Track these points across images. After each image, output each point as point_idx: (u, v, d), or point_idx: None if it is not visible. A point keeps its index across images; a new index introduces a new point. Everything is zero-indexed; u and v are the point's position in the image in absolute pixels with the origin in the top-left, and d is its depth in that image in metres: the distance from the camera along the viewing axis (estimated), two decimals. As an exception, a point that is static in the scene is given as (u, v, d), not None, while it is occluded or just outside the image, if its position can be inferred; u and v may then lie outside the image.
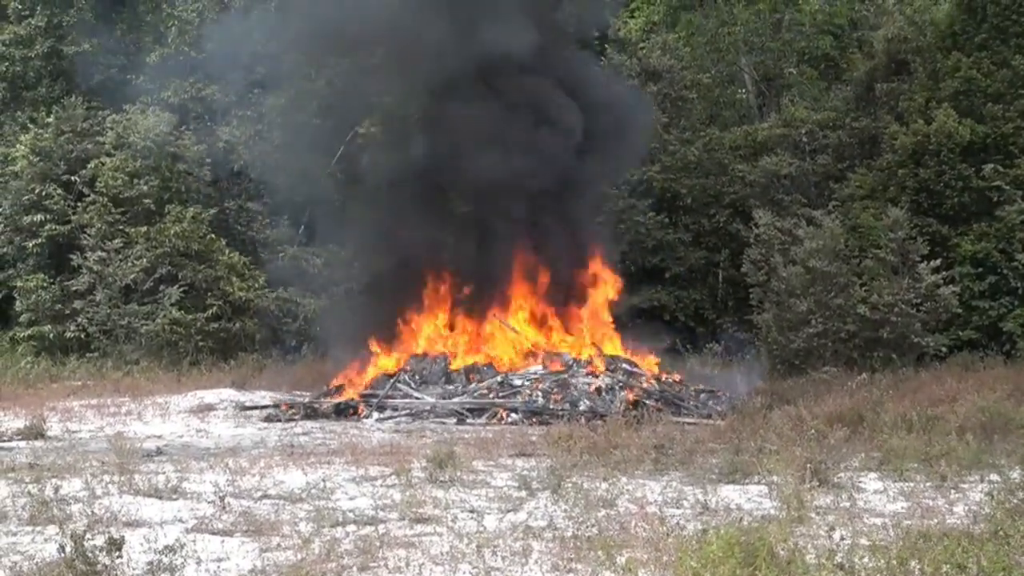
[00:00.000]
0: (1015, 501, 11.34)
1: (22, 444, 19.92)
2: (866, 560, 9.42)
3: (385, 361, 28.26)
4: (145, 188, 37.18)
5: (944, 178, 33.30)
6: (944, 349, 30.88)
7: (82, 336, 35.41)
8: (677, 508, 13.39)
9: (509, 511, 13.40)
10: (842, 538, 9.92)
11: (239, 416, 25.07)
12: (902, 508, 13.34)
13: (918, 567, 9.05)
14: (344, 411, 25.64)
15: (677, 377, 28.43)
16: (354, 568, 10.65)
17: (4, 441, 20.37)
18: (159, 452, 18.99)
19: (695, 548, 9.33)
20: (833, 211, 33.62)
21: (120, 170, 37.40)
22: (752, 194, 36.80)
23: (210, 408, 25.79)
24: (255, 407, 25.98)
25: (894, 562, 9.11)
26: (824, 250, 31.15)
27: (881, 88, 36.35)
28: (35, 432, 20.86)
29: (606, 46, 40.70)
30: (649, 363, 28.62)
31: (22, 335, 36.25)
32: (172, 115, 38.97)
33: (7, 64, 43.30)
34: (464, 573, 10.39)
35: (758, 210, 34.38)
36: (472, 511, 13.44)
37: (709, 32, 42.66)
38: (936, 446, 16.77)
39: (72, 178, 38.15)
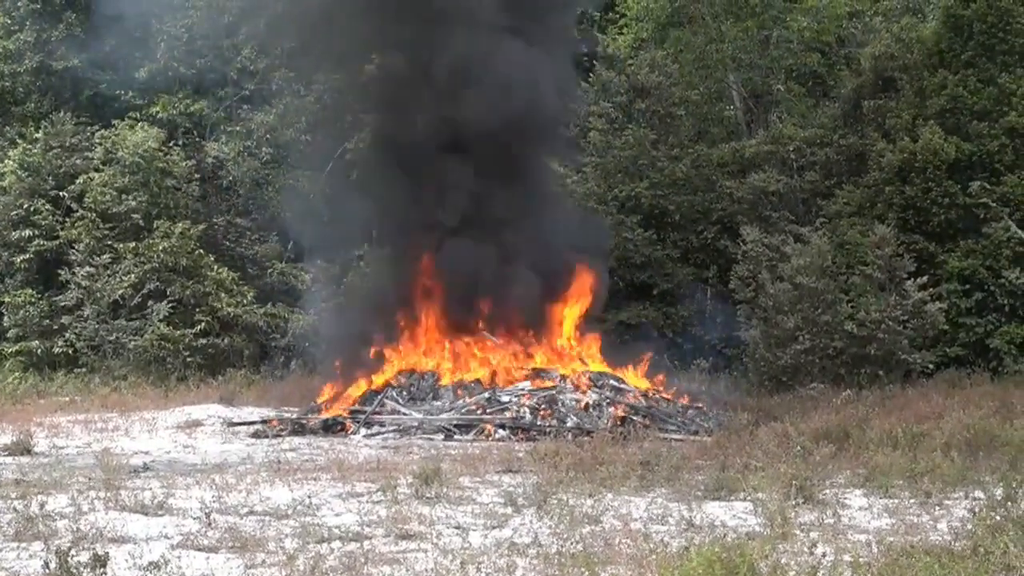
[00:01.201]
0: (997, 518, 11.39)
1: (9, 460, 19.89)
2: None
3: (373, 377, 28.26)
4: (133, 203, 37.20)
5: (931, 195, 33.36)
6: (931, 366, 30.92)
7: (70, 352, 35.42)
8: (662, 525, 13.42)
9: (494, 527, 13.43)
10: (824, 555, 9.95)
11: (227, 432, 25.05)
12: (886, 525, 13.39)
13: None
14: (332, 427, 25.61)
15: (668, 395, 28.45)
16: (339, 584, 10.68)
17: (-10, 457, 20.36)
18: (146, 468, 18.99)
19: (677, 565, 9.36)
20: (820, 228, 33.71)
21: (108, 185, 37.44)
22: (740, 211, 36.80)
23: (198, 424, 25.77)
24: (243, 423, 25.96)
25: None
26: (811, 267, 31.25)
27: (868, 105, 36.40)
28: (22, 448, 20.83)
29: (595, 63, 40.78)
30: (637, 379, 28.65)
31: (10, 350, 36.25)
32: (161, 130, 39.02)
33: (-5, 79, 43.35)
34: (448, 589, 10.42)
35: (746, 227, 34.43)
36: (457, 527, 13.48)
37: (697, 49, 42.68)
38: (921, 463, 16.83)
39: (60, 193, 38.19)
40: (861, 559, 10.16)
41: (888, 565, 9.68)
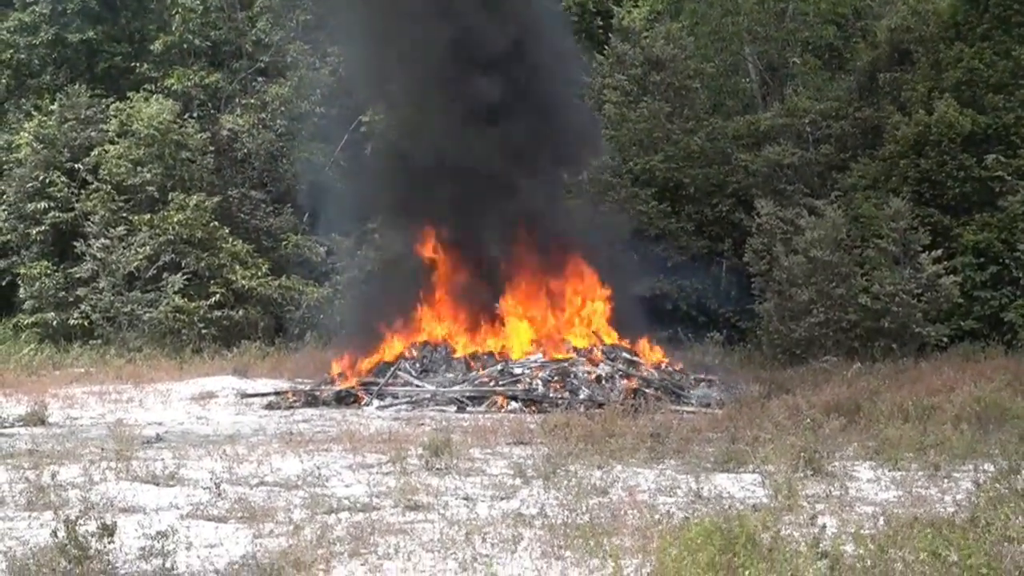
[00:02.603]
0: (1001, 490, 11.40)
1: (23, 430, 20.00)
2: (850, 548, 9.50)
3: (386, 349, 28.32)
4: (148, 176, 37.29)
5: (946, 168, 33.28)
6: (945, 339, 30.89)
7: (85, 323, 35.56)
8: (670, 496, 13.45)
9: (502, 499, 13.46)
10: (824, 527, 9.97)
11: (240, 404, 25.16)
12: (893, 497, 13.40)
13: (899, 555, 9.12)
14: (345, 399, 25.69)
15: (679, 366, 28.46)
16: (344, 554, 10.72)
17: (5, 427, 20.45)
18: (158, 439, 19.07)
19: (679, 536, 9.39)
20: (835, 201, 33.65)
21: (124, 158, 37.52)
22: (755, 183, 36.74)
23: (211, 395, 25.88)
24: (256, 395, 26.07)
25: (874, 549, 9.17)
26: (826, 240, 31.21)
27: (884, 78, 36.31)
28: (36, 418, 20.95)
29: (609, 35, 40.69)
30: (650, 352, 28.66)
31: (26, 322, 36.43)
32: (176, 103, 39.05)
33: (11, 51, 43.44)
34: (453, 560, 10.46)
35: (760, 199, 34.39)
36: (466, 498, 13.52)
37: (713, 21, 42.57)
38: (931, 436, 16.84)
39: (76, 165, 38.30)
40: (863, 531, 10.19)
41: (889, 536, 9.69)
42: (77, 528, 9.92)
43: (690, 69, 39.66)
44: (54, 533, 10.01)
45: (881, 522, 10.91)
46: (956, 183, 33.26)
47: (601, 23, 43.31)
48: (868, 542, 9.43)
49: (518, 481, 14.59)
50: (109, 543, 9.91)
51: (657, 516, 11.07)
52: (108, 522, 10.11)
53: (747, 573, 8.21)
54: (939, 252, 31.23)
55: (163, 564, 10.07)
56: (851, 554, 9.35)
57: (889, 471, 15.36)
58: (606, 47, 40.05)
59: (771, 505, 12.39)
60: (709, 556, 8.58)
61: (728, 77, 43.33)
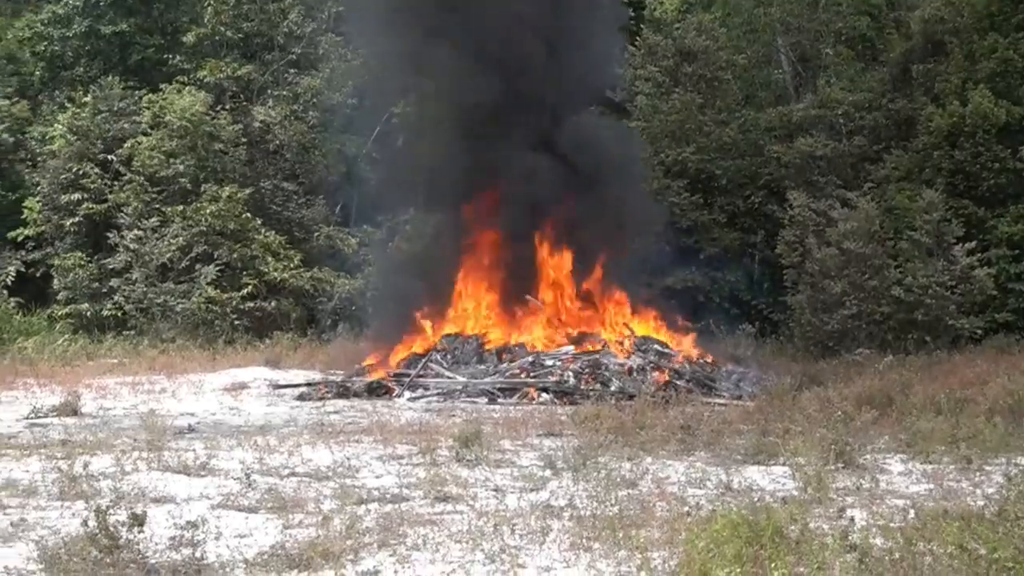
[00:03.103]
0: (1033, 483, 11.33)
1: (56, 421, 20.08)
2: (878, 541, 9.46)
3: (418, 340, 28.36)
4: (181, 167, 37.43)
5: (980, 160, 33.16)
6: (979, 332, 30.79)
7: (119, 314, 35.73)
8: (699, 488, 13.40)
9: (532, 490, 13.44)
10: (852, 519, 9.93)
11: (272, 394, 25.23)
12: (924, 490, 13.33)
13: (927, 548, 9.08)
14: (376, 390, 25.71)
15: (710, 358, 28.42)
16: (373, 545, 10.71)
17: (39, 417, 20.53)
18: (190, 429, 19.12)
19: (705, 528, 9.37)
20: (868, 193, 33.55)
21: (157, 149, 37.68)
22: (787, 175, 36.68)
23: (243, 386, 25.96)
24: (288, 386, 26.13)
25: (902, 542, 9.13)
26: (859, 232, 31.15)
27: (917, 69, 36.17)
28: (69, 409, 21.01)
29: (641, 26, 40.62)
30: (682, 344, 28.63)
31: (60, 313, 36.61)
32: (208, 94, 39.17)
33: (45, 44, 43.72)
34: (482, 551, 10.45)
35: (793, 191, 34.32)
36: (495, 490, 13.50)
37: (745, 12, 42.46)
38: (963, 429, 16.74)
39: (109, 157, 38.46)
40: (891, 524, 10.16)
41: (917, 529, 9.65)
42: (108, 518, 9.95)
43: (722, 60, 39.61)
44: (84, 523, 10.04)
45: (911, 515, 10.85)
46: (990, 174, 33.14)
47: (633, 14, 43.24)
48: (896, 535, 9.39)
49: (548, 473, 14.57)
50: (139, 532, 9.94)
51: (686, 508, 11.03)
52: (138, 512, 10.14)
53: (773, 566, 8.18)
54: (973, 244, 31.14)
55: (193, 554, 10.08)
56: (880, 547, 9.31)
57: (920, 464, 15.29)
58: (638, 38, 39.97)
59: (800, 498, 12.35)
60: (735, 548, 8.56)
61: (760, 68, 43.20)
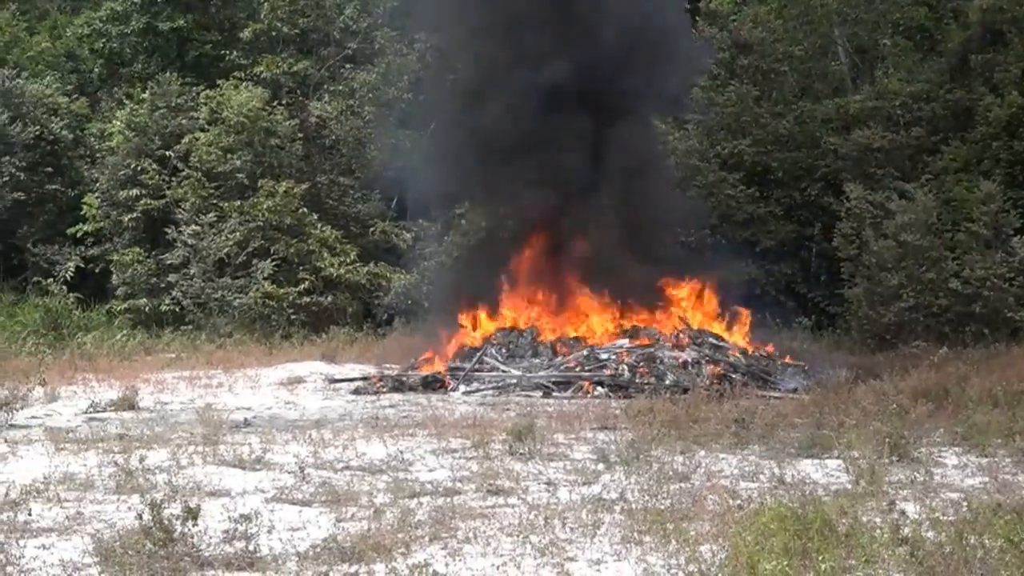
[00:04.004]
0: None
1: (114, 415, 20.28)
2: (930, 534, 9.42)
3: (473, 334, 28.41)
4: (238, 163, 37.65)
5: (1039, 150, 32.90)
6: (1039, 324, 30.52)
7: (176, 309, 35.99)
8: (752, 482, 13.38)
9: (584, 484, 13.46)
10: (903, 512, 9.87)
11: (327, 389, 25.38)
12: (979, 483, 13.25)
13: (978, 541, 9.03)
14: (431, 384, 25.78)
15: (769, 349, 28.30)
16: (425, 538, 10.77)
17: (97, 412, 20.74)
18: (246, 423, 19.25)
19: (754, 521, 9.36)
20: (926, 184, 33.30)
21: (214, 145, 37.91)
22: (844, 167, 36.46)
23: (300, 381, 26.13)
24: (344, 380, 26.27)
25: (952, 535, 9.09)
26: (916, 224, 30.95)
27: (976, 59, 35.89)
28: (127, 403, 21.23)
29: (697, 19, 40.46)
30: (738, 337, 28.55)
31: (118, 308, 36.94)
32: (265, 90, 39.36)
33: (104, 41, 44.11)
34: (532, 544, 10.48)
35: (850, 183, 34.10)
36: (548, 483, 13.53)
37: (802, 3, 42.16)
38: (1020, 421, 16.61)
39: (167, 153, 38.74)
40: (943, 517, 10.11)
41: (969, 522, 9.60)
42: (162, 511, 10.05)
43: (778, 52, 39.40)
44: (139, 516, 10.14)
45: (963, 508, 10.79)
46: (1050, 165, 32.85)
47: (689, 6, 43.06)
48: (948, 528, 9.35)
49: (600, 466, 14.59)
50: (193, 526, 10.04)
51: (737, 502, 11.01)
52: (192, 505, 10.24)
53: (822, 558, 8.17)
54: (1031, 235, 30.87)
55: (246, 546, 10.17)
56: (931, 540, 9.27)
57: (976, 457, 15.19)
58: (694, 31, 39.79)
59: (853, 491, 12.31)
60: (783, 541, 8.55)
61: (817, 60, 42.90)
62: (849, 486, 12.83)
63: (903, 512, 9.88)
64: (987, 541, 9.01)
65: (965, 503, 11.17)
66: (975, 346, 28.02)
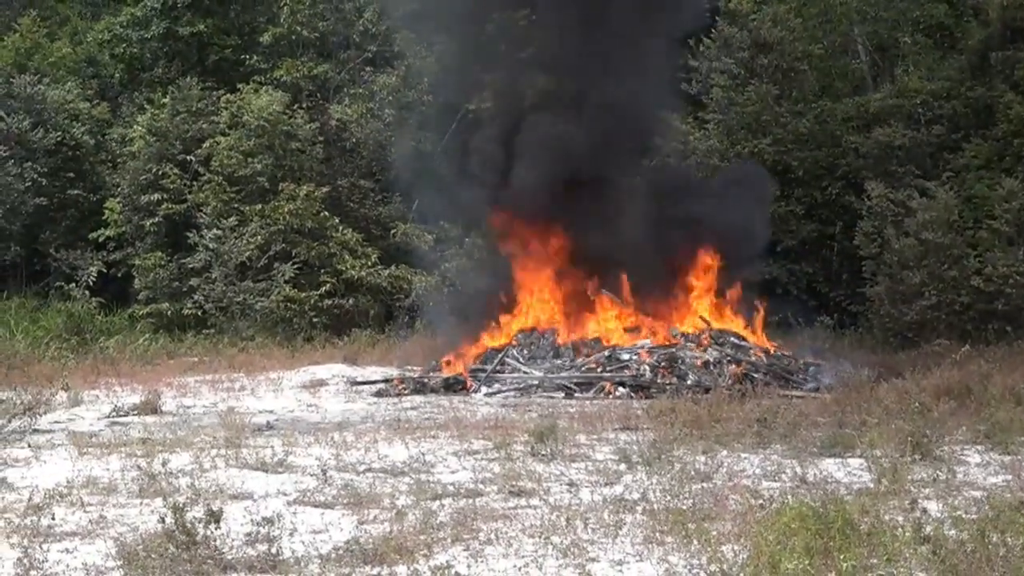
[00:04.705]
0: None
1: (137, 419, 20.35)
2: (952, 532, 9.41)
3: (495, 336, 28.45)
4: (259, 167, 37.66)
5: (1060, 147, 32.82)
6: (1061, 321, 30.44)
7: (198, 313, 36.02)
8: (775, 481, 13.39)
9: (606, 484, 13.48)
10: (925, 511, 9.87)
11: (350, 391, 25.41)
12: (1002, 481, 13.23)
13: (1000, 539, 9.02)
14: (453, 386, 25.83)
15: (788, 351, 28.28)
16: (447, 539, 10.80)
17: (120, 416, 20.81)
18: (269, 427, 19.29)
19: (775, 520, 9.36)
20: (947, 182, 33.21)
21: (234, 149, 37.93)
22: (865, 166, 36.39)
23: (322, 383, 26.17)
24: (366, 382, 26.31)
25: (974, 533, 9.08)
26: (938, 221, 30.91)
27: (996, 56, 35.80)
28: (150, 407, 21.29)
29: (716, 19, 40.40)
30: (759, 336, 28.54)
31: (140, 312, 36.99)
32: (285, 94, 39.41)
33: (124, 46, 44.20)
34: (554, 545, 10.49)
35: (871, 182, 34.06)
36: (570, 484, 13.55)
37: (821, 2, 42.08)
38: (1043, 419, 16.62)
39: (188, 157, 38.76)
40: (965, 515, 10.10)
41: (991, 520, 9.59)
42: (185, 514, 10.10)
43: (798, 51, 39.32)
44: (162, 519, 10.19)
45: (986, 507, 10.78)
46: (1071, 162, 32.76)
47: (708, 6, 43.02)
48: (970, 527, 9.34)
49: (622, 467, 14.61)
50: (216, 529, 10.07)
51: (759, 501, 11.02)
52: (215, 508, 10.28)
53: (843, 557, 8.16)
54: (1053, 232, 30.80)
55: (268, 549, 10.21)
56: (954, 539, 9.27)
57: (999, 455, 15.18)
58: (713, 30, 39.77)
59: (875, 490, 12.30)
60: (805, 540, 8.55)
61: (837, 58, 42.83)
62: (871, 485, 12.82)
63: (925, 510, 9.90)
64: (1009, 539, 9.02)
65: (987, 501, 11.17)
66: (997, 343, 27.96)
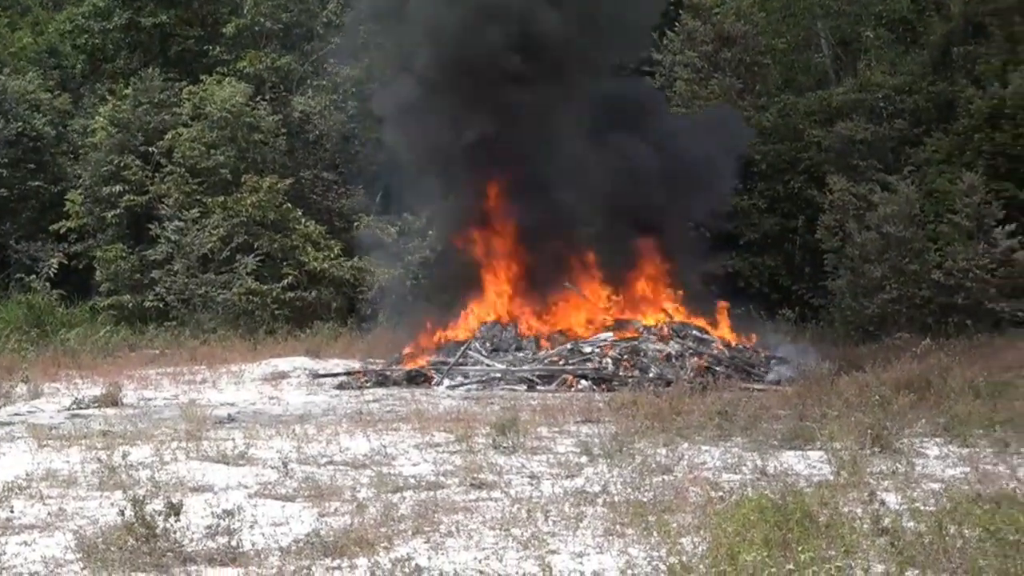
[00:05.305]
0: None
1: (97, 412, 20.26)
2: (910, 524, 9.47)
3: (457, 328, 28.43)
4: (222, 158, 37.58)
5: (1021, 142, 33.03)
6: (1020, 315, 30.59)
7: (160, 305, 35.94)
8: (735, 474, 13.41)
9: (567, 477, 13.49)
10: (883, 503, 9.92)
11: (311, 384, 25.39)
12: (960, 474, 13.29)
13: (957, 531, 9.08)
14: (415, 378, 25.82)
15: (749, 344, 28.36)
16: (408, 532, 10.78)
17: (81, 408, 20.73)
18: (230, 419, 19.23)
19: (735, 512, 9.40)
20: (908, 176, 33.40)
21: (197, 141, 37.83)
22: (827, 160, 36.56)
23: (284, 376, 26.13)
24: (328, 375, 26.28)
25: (932, 525, 9.13)
26: (899, 215, 31.07)
27: (958, 51, 36.04)
28: (111, 400, 21.21)
29: (680, 12, 40.47)
30: (721, 330, 28.62)
31: (102, 304, 36.85)
32: (248, 85, 39.30)
33: (86, 36, 43.99)
34: (515, 537, 10.50)
35: (833, 176, 34.22)
36: (531, 477, 13.56)
37: (785, -4, 42.38)
38: (1001, 412, 16.71)
39: (150, 149, 38.66)
40: (923, 507, 10.16)
41: (948, 512, 9.64)
42: (145, 507, 10.07)
43: (761, 45, 39.48)
44: (122, 512, 10.15)
45: (944, 499, 10.85)
46: (1031, 157, 32.98)
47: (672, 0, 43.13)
48: (928, 519, 9.40)
49: (584, 459, 14.61)
50: (176, 521, 10.04)
51: (719, 494, 11.05)
52: (175, 501, 10.24)
53: (801, 549, 8.20)
54: (1013, 226, 30.97)
55: (229, 542, 10.18)
56: (911, 531, 9.32)
57: (957, 448, 15.26)
58: (676, 24, 39.84)
59: (835, 482, 12.35)
60: (764, 532, 8.59)
61: (800, 53, 43.06)
62: (831, 477, 12.86)
63: (883, 503, 9.94)
64: (966, 531, 9.07)
65: (945, 493, 11.23)
66: (957, 337, 28.07)
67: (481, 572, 9.10)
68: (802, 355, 27.33)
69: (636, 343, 26.20)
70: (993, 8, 35.61)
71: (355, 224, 38.31)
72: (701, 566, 8.54)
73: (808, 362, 25.42)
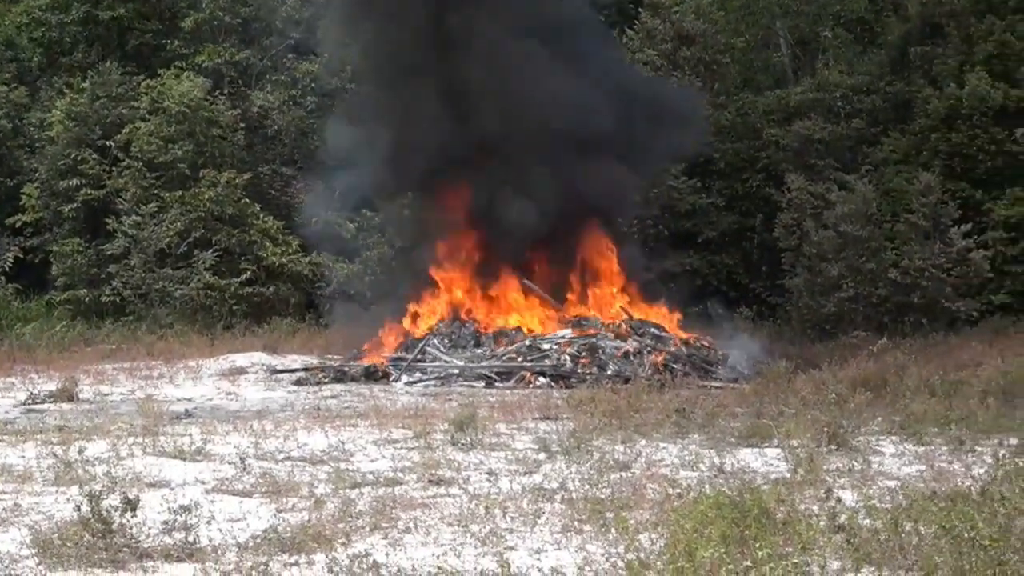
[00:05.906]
0: (1021, 464, 11.38)
1: (53, 406, 20.17)
2: (866, 521, 9.53)
3: (415, 324, 28.41)
4: (179, 153, 37.35)
5: (977, 142, 33.22)
6: (975, 314, 30.85)
7: (117, 300, 35.73)
8: (692, 471, 13.45)
9: (525, 473, 13.51)
10: (840, 500, 9.99)
11: (269, 380, 25.33)
12: (916, 471, 13.38)
13: (913, 528, 9.15)
14: (373, 375, 25.79)
15: (707, 341, 28.41)
16: (366, 528, 10.79)
17: (36, 403, 20.63)
18: (187, 415, 19.21)
19: (693, 509, 9.44)
20: (866, 175, 33.62)
21: (155, 135, 37.59)
22: (785, 158, 36.71)
23: (241, 372, 26.07)
24: (286, 371, 26.23)
25: (888, 522, 9.20)
26: (856, 214, 31.24)
27: (915, 52, 36.22)
28: (66, 394, 21.14)
29: (639, 10, 40.51)
30: (678, 327, 28.67)
31: (58, 299, 36.63)
32: (206, 80, 39.11)
33: (43, 29, 43.67)
34: (473, 533, 10.52)
35: (791, 174, 34.39)
36: (489, 473, 13.57)
37: (744, -5, 42.51)
38: (956, 410, 16.83)
39: (107, 143, 38.39)
40: (879, 504, 10.23)
41: (904, 510, 9.72)
42: (101, 502, 10.03)
43: (720, 44, 39.56)
44: (78, 508, 10.12)
45: (900, 496, 10.93)
46: (987, 157, 33.24)
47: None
48: (884, 516, 9.47)
49: (542, 456, 14.64)
50: (132, 517, 10.01)
51: (677, 490, 11.09)
52: (131, 496, 10.21)
53: (759, 545, 8.24)
54: (969, 226, 31.25)
55: (185, 538, 10.15)
56: (867, 528, 9.39)
57: (913, 445, 15.35)
58: (636, 22, 39.88)
59: (791, 479, 12.42)
60: (721, 529, 8.63)
61: (759, 52, 43.22)
62: (788, 474, 12.94)
63: (840, 500, 10.03)
64: (922, 528, 9.15)
65: (901, 491, 11.32)
66: (913, 336, 28.30)
67: (439, 568, 9.09)
68: (759, 353, 27.51)
69: (594, 340, 26.21)
70: (949, 9, 35.83)
71: (313, 219, 38.17)
72: (659, 563, 8.57)
73: (757, 353, 25.63)
